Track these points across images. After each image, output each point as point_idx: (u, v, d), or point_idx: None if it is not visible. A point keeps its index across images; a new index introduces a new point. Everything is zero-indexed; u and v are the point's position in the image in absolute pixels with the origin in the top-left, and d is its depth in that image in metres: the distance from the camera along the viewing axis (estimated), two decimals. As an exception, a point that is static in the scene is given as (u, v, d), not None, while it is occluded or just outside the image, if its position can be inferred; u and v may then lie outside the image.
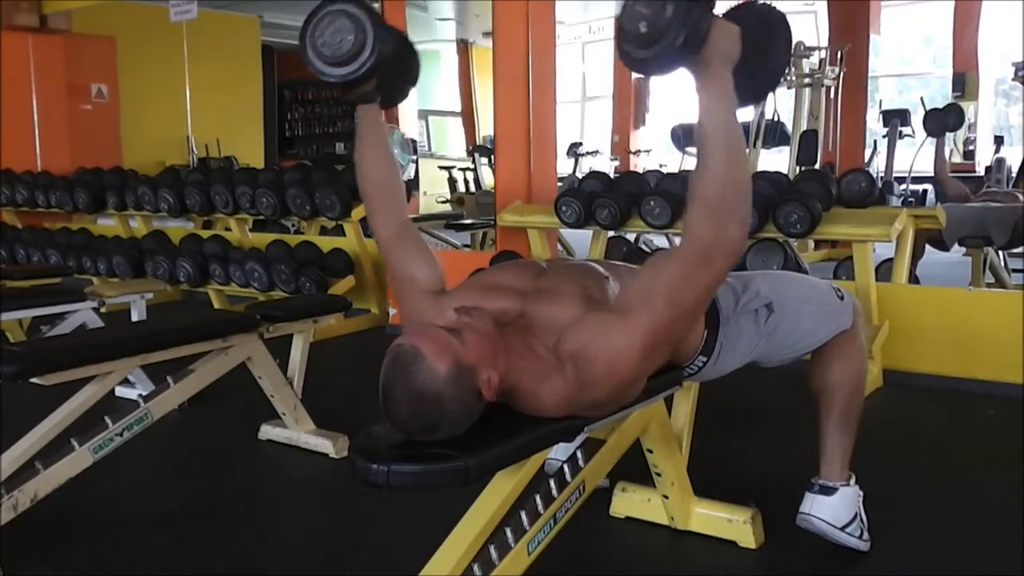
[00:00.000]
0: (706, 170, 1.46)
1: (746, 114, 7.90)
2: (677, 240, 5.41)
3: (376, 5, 5.36)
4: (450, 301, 1.63)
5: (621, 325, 1.50)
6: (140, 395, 2.37)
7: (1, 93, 6.63)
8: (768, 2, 1.64)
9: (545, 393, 1.52)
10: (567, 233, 5.45)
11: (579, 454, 1.71)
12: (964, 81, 8.59)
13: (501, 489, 1.64)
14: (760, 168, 7.02)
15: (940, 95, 9.40)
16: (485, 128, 11.32)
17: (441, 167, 8.85)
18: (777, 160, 7.77)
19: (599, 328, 1.51)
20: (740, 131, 1.50)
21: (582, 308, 1.56)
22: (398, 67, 1.86)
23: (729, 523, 2.07)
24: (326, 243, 5.06)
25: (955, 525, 2.23)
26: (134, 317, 3.48)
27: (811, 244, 5.84)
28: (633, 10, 1.45)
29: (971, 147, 8.62)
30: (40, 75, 6.79)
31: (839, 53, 6.79)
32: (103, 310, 3.49)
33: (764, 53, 1.58)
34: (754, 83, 1.59)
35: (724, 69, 1.47)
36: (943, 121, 5.26)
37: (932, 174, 5.49)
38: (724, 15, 1.55)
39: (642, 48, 1.45)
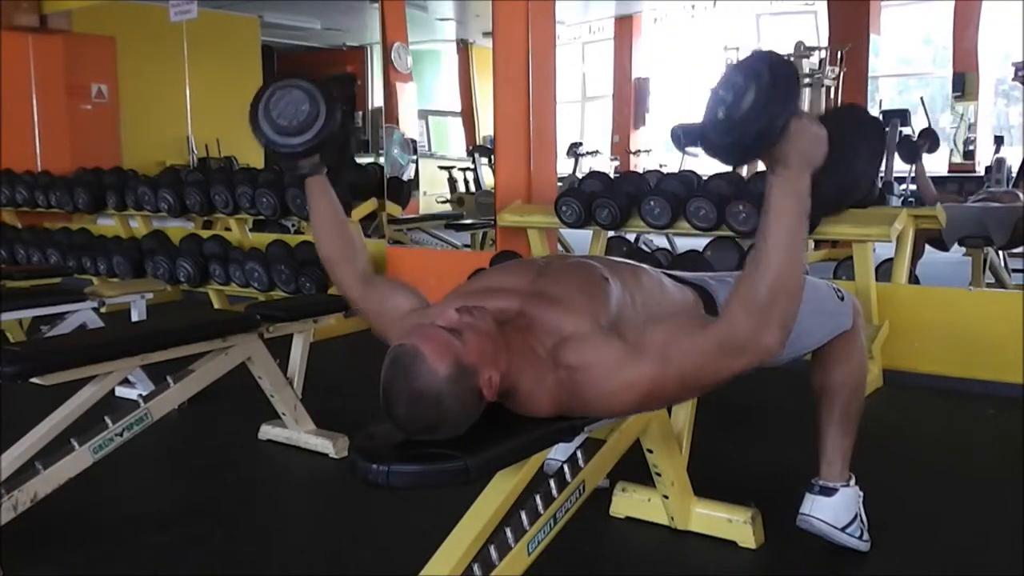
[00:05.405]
0: (760, 268, 1.40)
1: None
2: (678, 240, 5.44)
3: (376, 5, 5.36)
4: (447, 305, 1.62)
5: (629, 365, 1.46)
6: (140, 395, 2.37)
7: (1, 93, 6.63)
8: (863, 109, 1.58)
9: (541, 394, 1.51)
10: (567, 233, 5.45)
11: (579, 454, 1.71)
12: (964, 81, 8.59)
13: (501, 489, 1.64)
14: (760, 168, 7.05)
15: (940, 95, 9.40)
16: (485, 128, 11.31)
17: (441, 167, 8.83)
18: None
19: (607, 356, 1.47)
20: (804, 236, 1.44)
21: (589, 323, 1.52)
22: (341, 139, 1.90)
23: (729, 523, 2.07)
24: (326, 243, 5.05)
25: (955, 525, 2.24)
26: (134, 317, 3.48)
27: (811, 244, 5.83)
28: (716, 94, 1.41)
29: (971, 147, 8.62)
30: (40, 75, 6.79)
31: (839, 53, 6.79)
32: (103, 310, 3.49)
33: (850, 160, 1.50)
34: (835, 190, 1.51)
35: (801, 170, 1.40)
36: (919, 146, 5.62)
37: (932, 174, 5.65)
38: (820, 116, 1.49)
39: (718, 135, 1.41)
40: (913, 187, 6.45)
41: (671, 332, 1.48)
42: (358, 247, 1.88)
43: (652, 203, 3.88)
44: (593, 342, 1.49)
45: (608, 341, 1.49)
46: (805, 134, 1.39)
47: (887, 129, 6.51)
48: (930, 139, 5.79)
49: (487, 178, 7.81)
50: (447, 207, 7.77)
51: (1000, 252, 4.90)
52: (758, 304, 1.40)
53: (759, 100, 1.35)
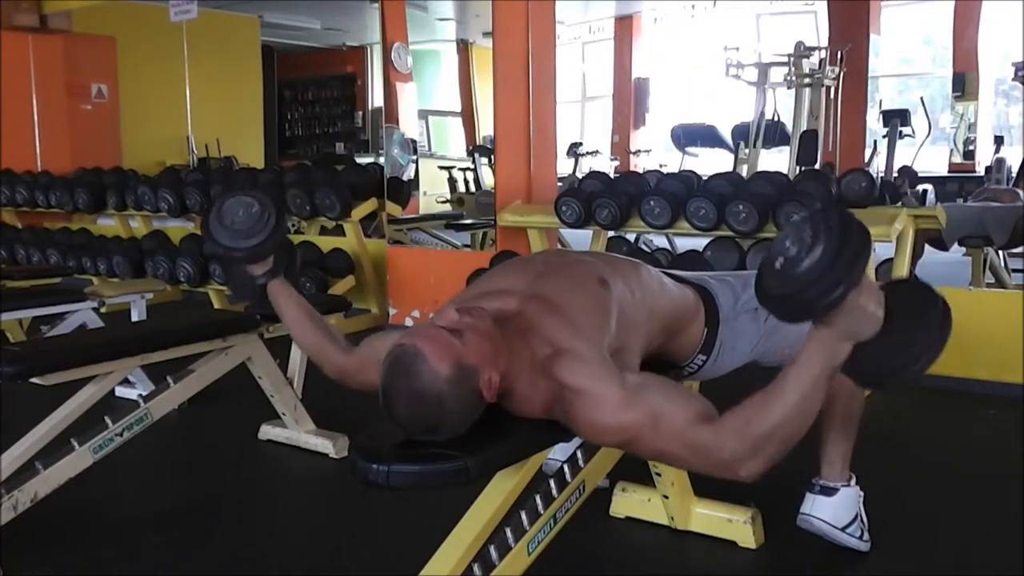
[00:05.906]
0: (768, 405, 1.37)
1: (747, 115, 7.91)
2: (678, 240, 5.43)
3: (376, 5, 5.37)
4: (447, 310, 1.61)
5: (619, 411, 1.43)
6: (140, 395, 2.38)
7: (1, 93, 6.62)
8: (937, 297, 1.41)
9: (534, 397, 1.51)
10: (567, 233, 5.44)
11: (579, 454, 1.71)
12: (964, 81, 8.59)
13: (501, 489, 1.64)
14: (760, 168, 7.05)
15: (940, 95, 9.40)
16: (485, 128, 11.31)
17: (441, 167, 8.83)
18: (777, 160, 7.77)
19: (600, 393, 1.44)
20: (820, 398, 1.38)
21: (587, 343, 1.50)
22: (291, 250, 2.08)
23: (729, 523, 2.07)
24: (326, 243, 5.06)
25: (955, 525, 2.24)
26: (134, 317, 3.48)
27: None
28: (782, 241, 1.34)
29: (971, 147, 8.62)
30: (40, 75, 6.78)
31: (839, 53, 6.79)
32: (103, 310, 3.49)
33: (899, 348, 1.38)
34: (874, 374, 1.41)
35: (843, 338, 1.35)
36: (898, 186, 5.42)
37: (932, 174, 5.60)
38: (884, 286, 1.40)
39: (770, 282, 1.36)
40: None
41: (670, 403, 1.44)
42: (332, 328, 1.92)
43: (652, 203, 3.88)
44: (590, 369, 1.46)
45: (606, 376, 1.46)
46: (859, 311, 1.33)
47: (887, 129, 6.53)
48: (909, 176, 5.72)
49: (487, 178, 7.81)
50: (447, 207, 7.77)
51: (1000, 252, 4.90)
52: (752, 437, 1.36)
53: (820, 265, 1.28)
